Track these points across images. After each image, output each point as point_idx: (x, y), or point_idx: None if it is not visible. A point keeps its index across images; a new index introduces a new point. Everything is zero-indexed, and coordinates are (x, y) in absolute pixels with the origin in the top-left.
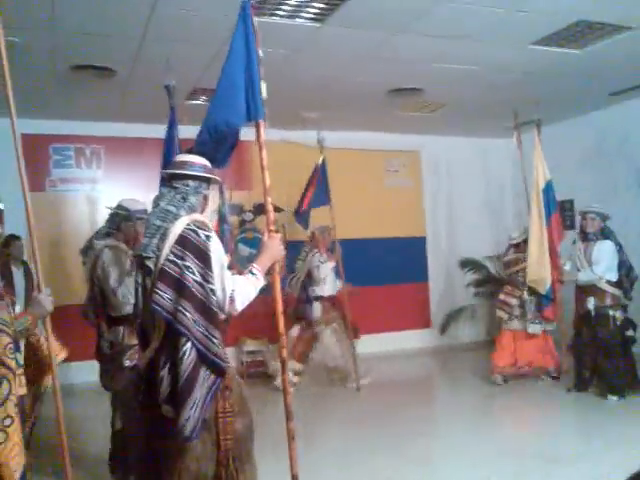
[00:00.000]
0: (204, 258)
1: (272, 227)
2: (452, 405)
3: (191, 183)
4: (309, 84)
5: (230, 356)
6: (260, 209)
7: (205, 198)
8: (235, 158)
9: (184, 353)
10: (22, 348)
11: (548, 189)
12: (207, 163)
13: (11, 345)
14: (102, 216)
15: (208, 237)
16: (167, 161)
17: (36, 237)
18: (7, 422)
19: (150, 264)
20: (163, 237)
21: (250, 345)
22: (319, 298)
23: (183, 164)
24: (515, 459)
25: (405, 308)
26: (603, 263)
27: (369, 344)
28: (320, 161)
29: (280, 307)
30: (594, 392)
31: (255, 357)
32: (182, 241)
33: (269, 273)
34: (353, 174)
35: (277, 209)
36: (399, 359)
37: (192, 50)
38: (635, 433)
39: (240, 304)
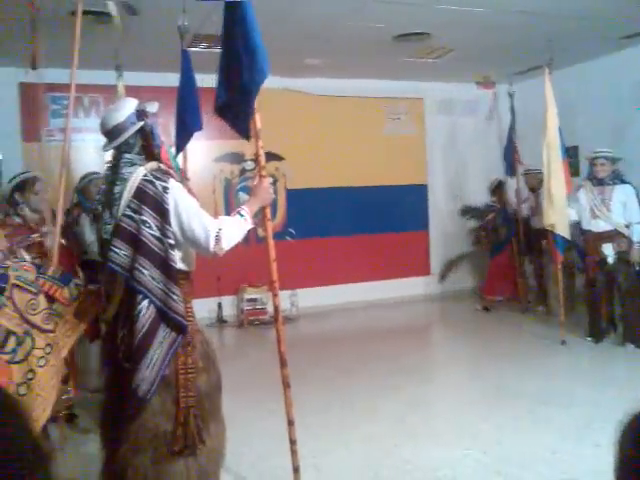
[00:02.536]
0: (161, 211)
1: (263, 172)
2: (451, 349)
3: (123, 147)
4: (313, 30)
5: (230, 305)
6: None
7: (143, 139)
8: None
9: (139, 311)
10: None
11: (560, 134)
12: (129, 107)
13: (34, 301)
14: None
15: (165, 189)
16: (186, 110)
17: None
18: (30, 375)
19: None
20: (118, 198)
21: (250, 293)
22: None
23: (115, 131)
24: (519, 402)
25: (406, 256)
26: (636, 207)
27: (370, 291)
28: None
29: (273, 254)
30: (612, 341)
31: (255, 305)
32: (139, 193)
33: (256, 216)
34: (354, 122)
35: (278, 157)
36: (399, 306)
37: None
38: None
39: (226, 244)
